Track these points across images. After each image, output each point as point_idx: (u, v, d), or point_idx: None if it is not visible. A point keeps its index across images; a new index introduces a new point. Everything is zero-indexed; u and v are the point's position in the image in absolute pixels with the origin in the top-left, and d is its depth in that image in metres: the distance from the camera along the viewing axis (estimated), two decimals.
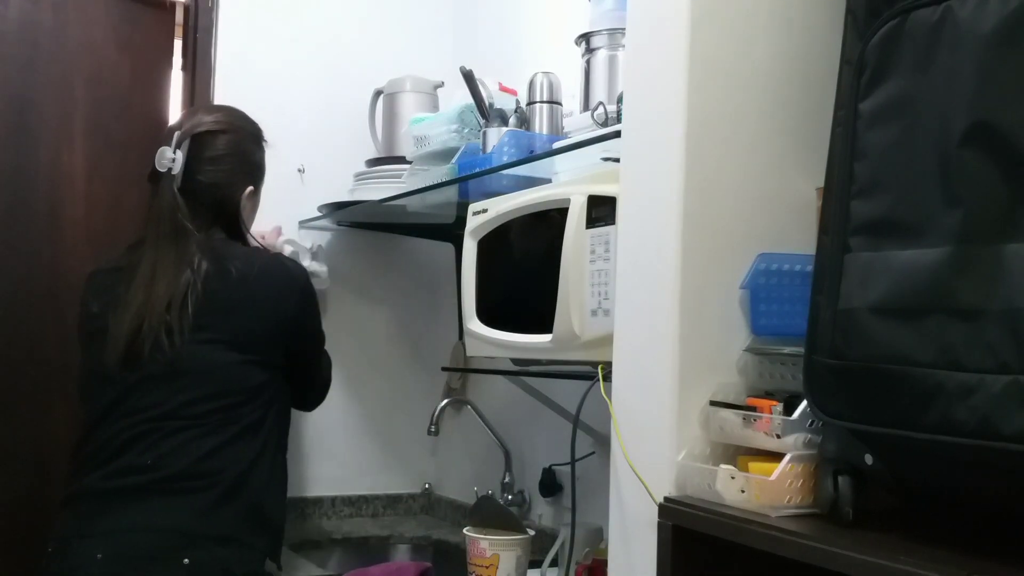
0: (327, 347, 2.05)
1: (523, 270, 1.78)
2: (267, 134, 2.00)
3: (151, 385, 1.71)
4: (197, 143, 1.82)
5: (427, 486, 2.73)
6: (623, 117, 1.38)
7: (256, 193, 1.93)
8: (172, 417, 1.69)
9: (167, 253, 1.75)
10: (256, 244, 1.93)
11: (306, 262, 2.34)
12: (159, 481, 1.64)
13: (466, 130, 2.12)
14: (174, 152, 1.79)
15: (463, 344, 2.15)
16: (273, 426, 1.77)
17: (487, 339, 1.79)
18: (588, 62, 1.86)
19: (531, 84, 1.96)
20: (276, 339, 1.79)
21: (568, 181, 1.71)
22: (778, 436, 1.13)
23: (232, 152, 1.87)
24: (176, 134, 1.81)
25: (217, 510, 1.64)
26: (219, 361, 1.72)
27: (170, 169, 1.79)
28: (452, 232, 2.34)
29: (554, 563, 1.82)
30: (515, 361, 1.85)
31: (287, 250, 2.30)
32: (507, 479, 2.33)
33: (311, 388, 2.00)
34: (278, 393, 1.80)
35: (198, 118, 1.87)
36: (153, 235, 1.78)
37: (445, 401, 2.38)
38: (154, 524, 1.62)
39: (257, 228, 2.04)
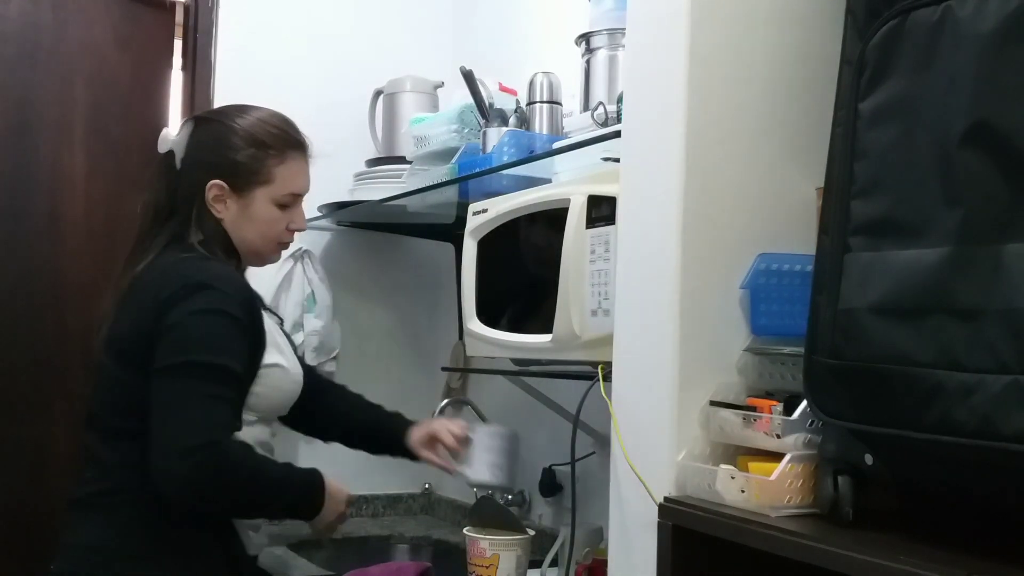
0: None
1: (523, 270, 1.78)
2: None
3: (94, 393, 1.66)
4: (196, 126, 1.72)
5: (427, 486, 2.73)
6: (623, 117, 1.38)
7: (232, 191, 1.67)
8: (96, 428, 1.63)
9: (131, 253, 1.69)
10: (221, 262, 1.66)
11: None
12: (88, 497, 1.60)
13: (466, 130, 2.12)
14: (177, 134, 1.71)
15: (463, 344, 2.14)
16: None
17: (487, 339, 1.79)
18: (588, 62, 1.86)
19: (531, 84, 1.96)
20: (146, 340, 1.55)
21: (568, 181, 1.71)
22: (778, 436, 1.13)
23: (203, 141, 1.69)
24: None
25: (133, 529, 1.55)
26: (105, 369, 1.61)
27: (172, 153, 1.70)
28: (452, 232, 2.34)
29: (554, 563, 1.82)
30: (515, 361, 1.85)
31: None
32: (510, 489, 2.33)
33: (154, 428, 1.49)
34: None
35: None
36: (137, 230, 1.71)
37: (445, 401, 2.38)
38: (86, 542, 1.57)
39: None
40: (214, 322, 1.53)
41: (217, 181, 1.65)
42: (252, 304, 1.61)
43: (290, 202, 1.72)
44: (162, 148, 1.70)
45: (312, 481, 1.66)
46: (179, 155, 1.69)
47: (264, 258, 1.76)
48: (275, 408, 1.76)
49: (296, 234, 1.77)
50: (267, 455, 1.66)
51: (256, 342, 1.61)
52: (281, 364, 1.72)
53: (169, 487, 1.47)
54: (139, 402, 1.51)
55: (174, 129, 1.72)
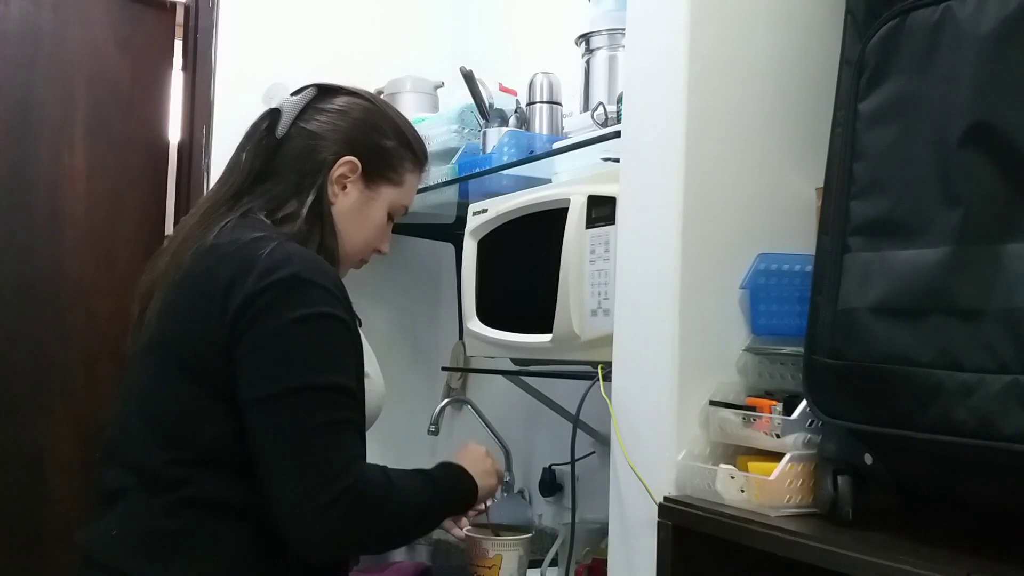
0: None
1: (523, 270, 1.78)
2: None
3: (120, 413, 1.35)
4: (322, 92, 1.47)
5: None
6: (623, 117, 1.38)
7: (362, 175, 1.42)
8: (132, 472, 1.28)
9: (196, 214, 1.39)
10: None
11: None
12: (112, 562, 1.27)
13: (466, 130, 2.12)
14: (294, 95, 1.45)
15: (463, 344, 2.14)
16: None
17: (487, 339, 1.79)
18: (588, 62, 1.86)
19: (531, 84, 1.96)
20: (214, 346, 1.22)
21: (568, 181, 1.71)
22: (778, 436, 1.13)
23: (351, 113, 1.44)
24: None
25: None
26: (146, 380, 1.30)
27: (278, 111, 1.42)
28: (452, 232, 2.34)
29: (554, 563, 1.82)
30: (515, 361, 1.86)
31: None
32: (507, 479, 2.33)
33: (272, 476, 1.19)
34: None
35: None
36: (211, 189, 1.45)
37: (445, 401, 2.38)
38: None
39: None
40: (324, 330, 1.23)
41: (352, 159, 1.40)
42: (348, 301, 1.30)
43: (396, 215, 1.50)
44: (269, 102, 1.45)
45: (456, 476, 1.42)
46: (287, 118, 1.41)
47: (344, 268, 1.46)
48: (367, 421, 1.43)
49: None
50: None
51: (359, 348, 1.32)
52: (369, 374, 1.43)
53: (313, 548, 1.18)
54: (191, 434, 1.23)
55: (289, 86, 1.51)
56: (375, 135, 1.44)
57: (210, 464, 1.23)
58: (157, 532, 1.23)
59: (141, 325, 1.33)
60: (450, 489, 1.41)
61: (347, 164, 1.41)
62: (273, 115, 1.43)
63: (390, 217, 1.49)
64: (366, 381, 1.33)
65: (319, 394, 1.20)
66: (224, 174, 1.44)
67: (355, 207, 1.43)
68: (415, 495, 1.32)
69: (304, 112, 1.43)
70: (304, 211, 1.36)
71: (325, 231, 1.38)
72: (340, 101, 1.46)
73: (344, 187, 1.41)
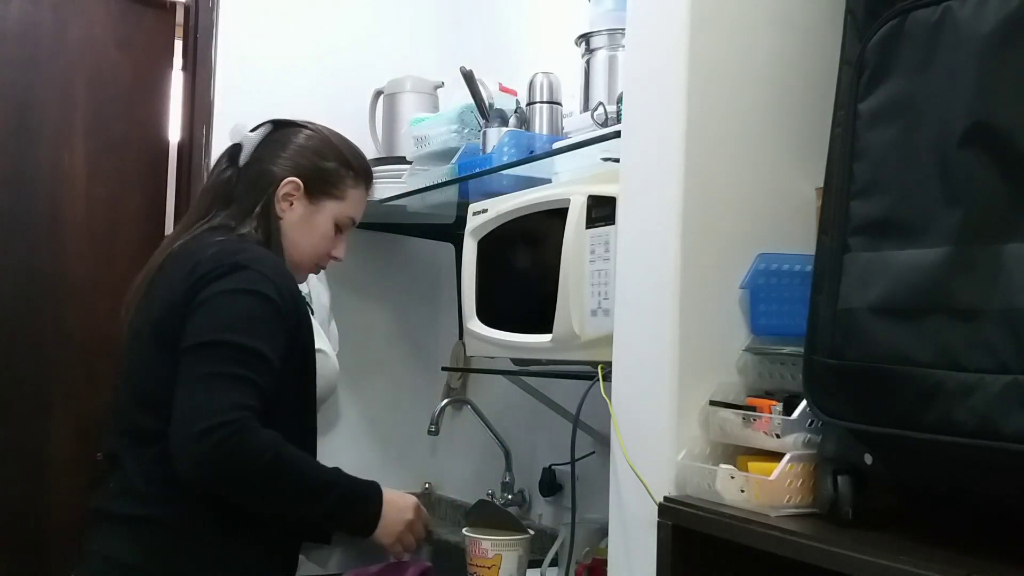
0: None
1: (523, 270, 1.78)
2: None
3: (118, 385, 1.60)
4: (276, 127, 1.74)
5: (427, 486, 2.73)
6: (623, 117, 1.38)
7: (305, 193, 1.68)
8: (125, 433, 1.54)
9: (176, 230, 1.68)
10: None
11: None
12: (113, 509, 1.51)
13: (466, 130, 2.12)
14: (253, 130, 1.72)
15: (463, 344, 2.14)
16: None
17: (487, 339, 1.79)
18: (588, 62, 1.86)
19: (531, 84, 1.96)
20: (179, 321, 1.47)
21: (568, 181, 1.71)
22: (778, 436, 1.13)
23: (296, 141, 1.71)
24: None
25: (164, 548, 1.47)
26: (136, 363, 1.55)
27: (239, 146, 1.70)
28: (452, 232, 2.34)
29: (554, 563, 1.82)
30: (515, 361, 1.86)
31: None
32: (507, 479, 2.33)
33: (176, 406, 1.41)
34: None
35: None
36: (188, 210, 1.74)
37: (445, 401, 2.38)
38: (105, 553, 1.50)
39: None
40: (248, 302, 1.47)
41: (295, 179, 1.67)
42: (293, 288, 1.56)
43: (345, 227, 1.74)
44: (233, 138, 1.72)
45: (362, 487, 1.56)
46: (247, 150, 1.69)
47: (301, 272, 1.73)
48: (319, 395, 1.70)
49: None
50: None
51: (296, 328, 1.54)
52: (323, 349, 1.73)
53: (185, 470, 1.39)
54: (170, 390, 1.43)
55: (249, 124, 1.74)
56: (316, 158, 1.71)
57: None
58: (145, 478, 1.48)
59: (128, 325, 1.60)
60: (351, 494, 1.55)
61: (290, 184, 1.67)
62: (235, 148, 1.72)
63: (339, 228, 1.74)
64: (320, 356, 1.64)
65: (227, 350, 1.43)
66: (196, 201, 1.74)
67: (301, 220, 1.69)
68: (302, 467, 1.48)
69: (259, 145, 1.71)
70: (258, 225, 1.64)
71: (272, 240, 1.64)
72: (288, 132, 1.73)
73: (291, 203, 1.68)
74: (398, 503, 1.59)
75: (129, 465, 1.51)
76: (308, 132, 1.74)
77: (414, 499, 1.64)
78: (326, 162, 1.71)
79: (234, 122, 1.75)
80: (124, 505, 1.50)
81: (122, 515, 1.51)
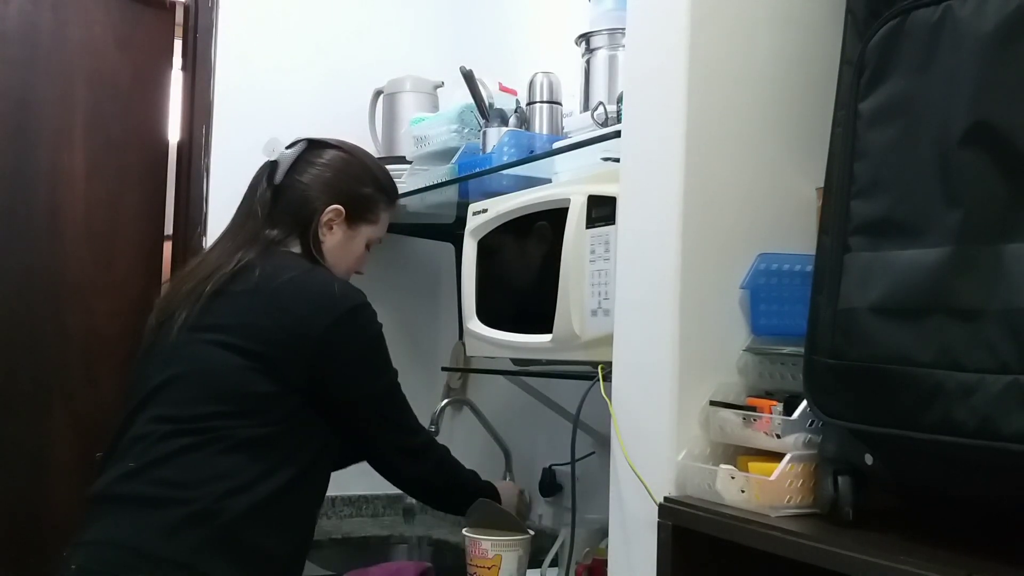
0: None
1: (523, 270, 1.78)
2: (268, 133, 1.85)
3: (158, 380, 1.60)
4: (311, 146, 1.81)
5: None
6: (623, 117, 1.38)
7: (345, 219, 1.77)
8: (166, 420, 1.55)
9: (225, 244, 1.72)
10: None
11: None
12: (135, 492, 1.51)
13: (466, 130, 2.12)
14: (288, 148, 1.79)
15: (463, 344, 2.14)
16: (287, 453, 1.56)
17: (487, 339, 1.79)
18: (588, 62, 1.86)
19: (531, 84, 1.96)
20: (293, 353, 1.58)
21: (568, 181, 1.71)
22: (778, 436, 1.13)
23: (335, 165, 1.79)
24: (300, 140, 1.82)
25: (181, 532, 1.47)
26: (216, 361, 1.57)
27: (276, 163, 1.76)
28: (452, 232, 2.34)
29: (554, 563, 1.82)
30: (515, 361, 1.85)
31: None
32: (507, 479, 2.33)
33: (384, 441, 1.73)
34: (299, 418, 1.58)
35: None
36: (230, 225, 1.77)
37: (445, 401, 2.38)
38: (120, 539, 1.49)
39: None
40: (382, 339, 1.70)
41: (338, 206, 1.76)
42: None
43: (373, 245, 1.85)
44: (269, 155, 1.78)
45: (485, 490, 1.88)
46: (283, 168, 1.76)
47: None
48: None
49: None
50: None
51: None
52: None
53: (418, 485, 1.85)
54: (247, 405, 1.55)
55: (284, 140, 1.80)
56: (355, 184, 1.79)
57: (246, 415, 1.55)
58: (182, 466, 1.52)
59: (158, 333, 1.66)
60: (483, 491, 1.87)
61: (333, 211, 1.76)
62: (272, 166, 1.77)
63: (368, 246, 1.84)
64: None
65: (398, 386, 1.72)
66: (238, 218, 1.77)
67: (340, 243, 1.78)
68: (467, 483, 1.88)
69: (296, 164, 1.77)
70: (304, 247, 1.74)
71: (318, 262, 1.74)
72: (327, 155, 1.80)
73: (331, 228, 1.77)
74: (508, 491, 1.96)
75: (157, 450, 1.53)
76: (345, 156, 1.81)
77: (518, 490, 2.06)
78: (364, 188, 1.80)
79: (268, 136, 1.80)
80: (143, 487, 1.51)
81: (139, 496, 1.50)
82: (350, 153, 1.82)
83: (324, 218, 1.75)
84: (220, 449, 1.52)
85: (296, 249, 1.73)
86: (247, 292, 1.62)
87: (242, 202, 1.79)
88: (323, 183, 1.76)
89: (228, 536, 1.49)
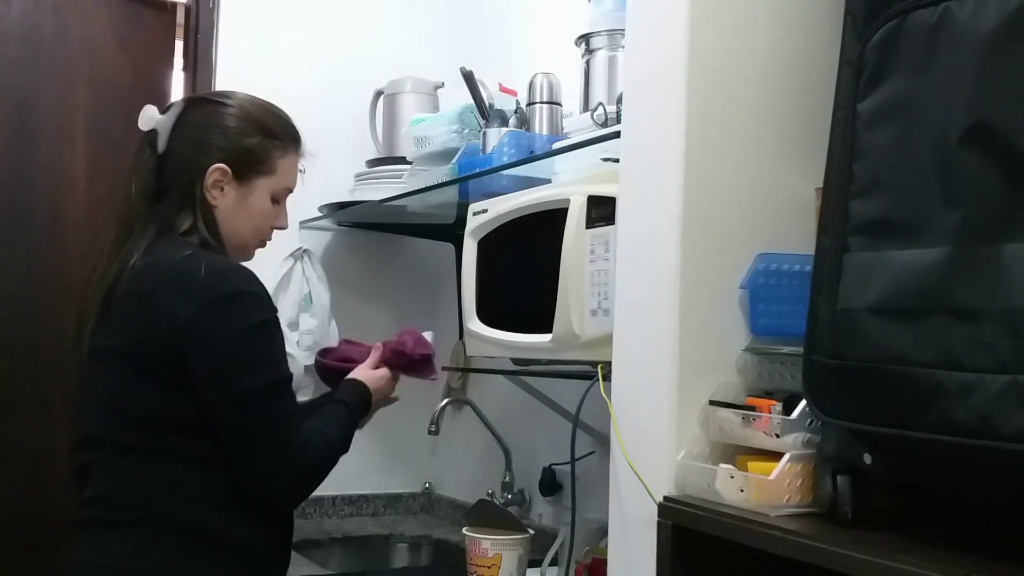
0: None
1: (523, 270, 1.78)
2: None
3: (84, 404, 1.58)
4: (188, 106, 1.64)
5: (427, 485, 2.73)
6: (623, 117, 1.38)
7: (234, 177, 1.59)
8: (105, 445, 1.52)
9: (111, 234, 1.59)
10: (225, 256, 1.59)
11: None
12: (101, 518, 1.50)
13: (466, 131, 2.12)
14: (163, 113, 1.62)
15: (463, 344, 2.15)
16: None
17: (487, 339, 1.79)
18: (588, 63, 1.86)
19: (531, 85, 1.96)
20: (170, 353, 1.46)
21: (568, 181, 1.71)
22: (777, 436, 1.13)
23: (211, 122, 1.61)
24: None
25: (155, 551, 1.46)
26: (118, 386, 1.51)
27: (156, 132, 1.60)
28: (452, 232, 2.34)
29: (554, 562, 1.82)
30: (515, 361, 1.86)
31: None
32: (507, 479, 2.33)
33: (244, 457, 1.49)
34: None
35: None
36: (117, 210, 1.62)
37: (445, 401, 2.38)
38: (95, 560, 1.49)
39: None
40: (267, 334, 1.51)
41: (221, 165, 1.58)
42: (269, 294, 1.58)
43: (281, 197, 1.67)
44: (145, 126, 1.63)
45: (361, 395, 1.71)
46: (163, 136, 1.60)
47: (247, 253, 1.67)
48: None
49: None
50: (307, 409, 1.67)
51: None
52: (291, 354, 1.75)
53: (280, 504, 1.55)
54: (159, 416, 1.48)
55: (156, 108, 1.65)
56: (237, 138, 1.61)
57: (172, 430, 1.49)
58: (125, 486, 1.49)
59: (80, 336, 1.58)
60: (360, 410, 1.70)
61: (217, 171, 1.58)
62: (151, 135, 1.62)
63: (276, 200, 1.66)
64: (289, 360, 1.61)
65: (277, 389, 1.50)
66: (126, 197, 1.62)
67: (235, 204, 1.61)
68: (338, 432, 1.60)
69: (175, 127, 1.61)
70: (198, 222, 1.57)
71: (213, 233, 1.58)
72: (201, 113, 1.63)
73: (221, 190, 1.59)
74: (376, 386, 1.75)
75: (105, 474, 1.51)
76: (224, 108, 1.63)
77: (383, 374, 1.78)
78: (248, 139, 1.61)
79: (145, 116, 1.65)
80: (105, 512, 1.50)
81: (104, 521, 1.49)
82: (224, 104, 1.63)
83: (209, 181, 1.57)
84: (165, 463, 1.48)
85: (188, 222, 1.57)
86: (127, 297, 1.51)
87: (128, 184, 1.63)
88: (199, 144, 1.59)
89: (203, 540, 1.48)
